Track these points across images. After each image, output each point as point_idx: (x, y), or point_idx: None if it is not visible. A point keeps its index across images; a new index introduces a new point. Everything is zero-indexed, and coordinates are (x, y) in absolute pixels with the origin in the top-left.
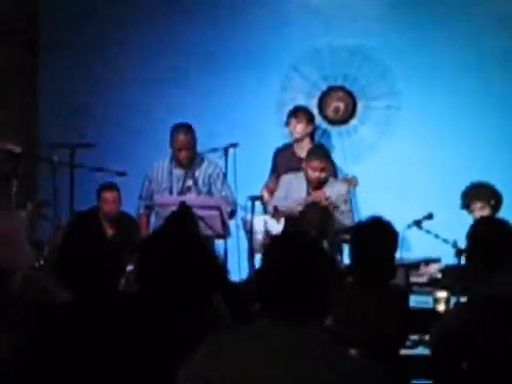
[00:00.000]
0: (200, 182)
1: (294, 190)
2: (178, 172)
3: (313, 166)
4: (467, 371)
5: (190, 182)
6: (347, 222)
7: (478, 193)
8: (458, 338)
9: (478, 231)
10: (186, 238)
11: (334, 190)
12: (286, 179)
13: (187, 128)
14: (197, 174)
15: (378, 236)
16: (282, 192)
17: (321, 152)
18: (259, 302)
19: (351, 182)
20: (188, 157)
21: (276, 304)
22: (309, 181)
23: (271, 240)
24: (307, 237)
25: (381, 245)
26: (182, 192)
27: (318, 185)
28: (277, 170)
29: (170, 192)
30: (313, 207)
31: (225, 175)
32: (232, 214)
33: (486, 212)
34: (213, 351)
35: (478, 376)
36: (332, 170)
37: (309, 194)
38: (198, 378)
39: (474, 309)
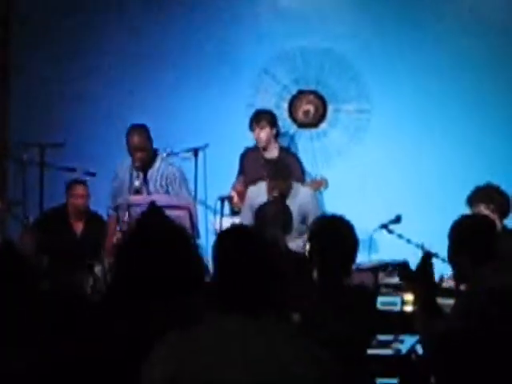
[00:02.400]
0: (155, 183)
1: (258, 201)
2: (135, 173)
3: (274, 187)
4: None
5: (138, 183)
6: None
7: (479, 196)
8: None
9: (461, 228)
10: (169, 232)
11: (298, 198)
12: (249, 194)
13: (141, 129)
14: (149, 175)
15: (332, 230)
16: (247, 210)
17: (278, 172)
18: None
19: (320, 183)
20: (142, 158)
21: (226, 298)
22: None
23: (218, 235)
24: (254, 231)
25: (335, 239)
26: (135, 193)
27: None
28: (244, 172)
29: (129, 192)
30: (271, 202)
31: (184, 177)
32: None
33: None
34: (169, 350)
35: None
36: (300, 175)
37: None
38: (158, 377)
39: (472, 303)
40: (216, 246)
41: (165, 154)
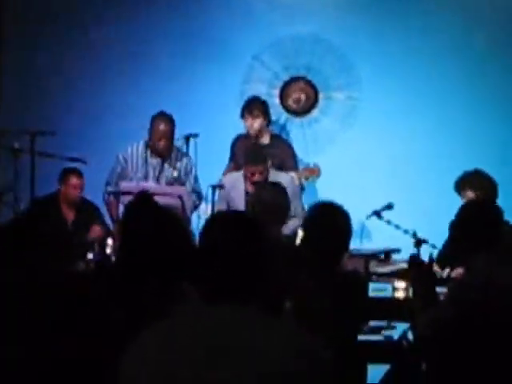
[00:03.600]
0: (172, 174)
1: (234, 191)
2: (154, 161)
3: (249, 171)
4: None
5: (175, 173)
6: (296, 221)
7: (468, 181)
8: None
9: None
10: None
11: None
12: (226, 182)
13: (168, 118)
14: (178, 165)
15: (328, 218)
16: (222, 201)
17: (256, 156)
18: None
19: (314, 171)
20: (167, 147)
21: (212, 286)
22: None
23: (205, 221)
24: (243, 216)
25: (330, 226)
26: (157, 181)
27: None
28: (236, 158)
29: (146, 179)
30: (265, 186)
31: (195, 168)
32: (197, 207)
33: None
34: (152, 339)
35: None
36: (293, 163)
37: (247, 193)
38: (140, 366)
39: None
40: (204, 232)
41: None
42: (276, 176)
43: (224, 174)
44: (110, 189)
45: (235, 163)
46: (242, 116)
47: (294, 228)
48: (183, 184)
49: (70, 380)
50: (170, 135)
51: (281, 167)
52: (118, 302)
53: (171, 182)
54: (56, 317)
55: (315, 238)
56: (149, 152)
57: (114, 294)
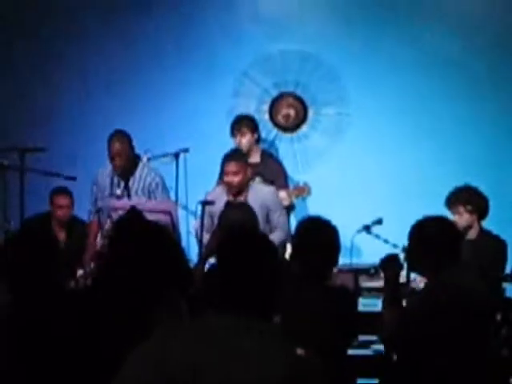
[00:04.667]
0: (136, 191)
1: (216, 206)
2: (116, 179)
3: (225, 170)
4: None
5: (119, 191)
6: (280, 233)
7: (459, 197)
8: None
9: (424, 233)
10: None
11: (259, 197)
12: (210, 197)
13: (123, 135)
14: (130, 182)
15: (317, 233)
16: (206, 217)
17: (233, 155)
18: (209, 300)
19: (303, 190)
20: (121, 165)
21: (228, 299)
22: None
23: (224, 238)
24: (259, 233)
25: (318, 241)
26: (117, 198)
27: (235, 191)
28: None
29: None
30: (232, 207)
31: (164, 185)
32: None
33: (464, 216)
34: (158, 347)
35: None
36: (283, 181)
37: (228, 203)
38: (146, 373)
39: (426, 302)
40: (224, 245)
41: (145, 159)
42: (257, 188)
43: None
44: (91, 208)
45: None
46: (232, 134)
47: (279, 240)
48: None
49: None
50: (124, 152)
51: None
52: (115, 315)
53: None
54: (46, 335)
55: (303, 252)
56: (114, 171)
57: (110, 307)
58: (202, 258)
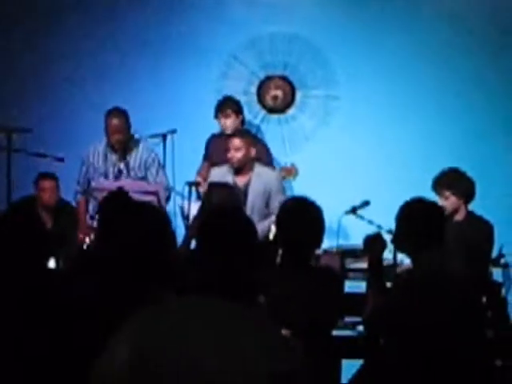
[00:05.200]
0: (134, 167)
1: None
2: (113, 157)
3: (228, 146)
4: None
5: (121, 166)
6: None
7: (445, 180)
8: (394, 313)
9: (409, 213)
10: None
11: (262, 179)
12: (212, 176)
13: (120, 112)
14: (128, 158)
15: (300, 213)
16: None
17: (238, 133)
18: (191, 280)
19: (291, 171)
20: (120, 140)
21: (207, 281)
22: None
23: (204, 216)
24: (238, 214)
25: (302, 221)
26: (116, 177)
27: (238, 168)
28: (210, 157)
29: (106, 177)
30: (216, 187)
31: (160, 161)
32: (167, 199)
33: (450, 199)
34: (136, 328)
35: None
36: (268, 159)
37: (211, 184)
38: (125, 355)
39: (409, 286)
40: (203, 226)
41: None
42: (262, 171)
43: (198, 172)
44: (78, 188)
45: (209, 162)
46: (216, 116)
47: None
48: (141, 178)
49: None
50: (122, 129)
51: None
52: (103, 292)
53: (117, 177)
54: (29, 313)
55: (287, 232)
56: (108, 149)
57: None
58: (187, 239)
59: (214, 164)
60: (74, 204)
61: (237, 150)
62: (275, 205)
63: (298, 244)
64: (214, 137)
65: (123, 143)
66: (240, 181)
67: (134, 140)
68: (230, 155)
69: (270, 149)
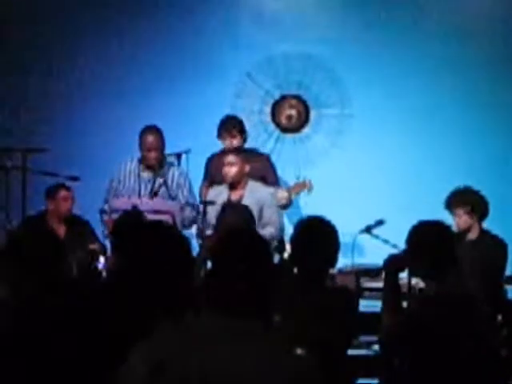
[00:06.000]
0: (171, 186)
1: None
2: (146, 175)
3: (223, 162)
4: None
5: (155, 184)
6: (271, 229)
7: (458, 198)
8: (409, 335)
9: (419, 239)
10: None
11: (256, 195)
12: (209, 194)
13: (156, 130)
14: (164, 176)
15: (315, 232)
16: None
17: (232, 149)
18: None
19: (304, 185)
20: (156, 158)
21: (224, 301)
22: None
23: (218, 240)
24: (254, 234)
25: (317, 241)
26: (150, 195)
27: (232, 184)
28: (210, 177)
29: (139, 195)
30: (229, 208)
31: (191, 182)
32: (194, 221)
33: (463, 218)
34: (156, 342)
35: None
36: (274, 177)
37: (225, 205)
38: (143, 368)
39: (424, 308)
40: (218, 246)
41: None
42: (254, 186)
43: (199, 192)
44: (105, 207)
45: (210, 181)
46: (219, 135)
47: (270, 236)
48: (174, 197)
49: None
50: (158, 146)
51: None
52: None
53: (152, 195)
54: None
55: (302, 252)
56: (141, 167)
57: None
58: (201, 259)
59: (214, 183)
60: (100, 223)
61: (231, 165)
62: (269, 216)
63: (313, 264)
64: (213, 156)
65: (158, 161)
66: (234, 196)
67: (166, 159)
68: (224, 171)
69: (274, 164)
